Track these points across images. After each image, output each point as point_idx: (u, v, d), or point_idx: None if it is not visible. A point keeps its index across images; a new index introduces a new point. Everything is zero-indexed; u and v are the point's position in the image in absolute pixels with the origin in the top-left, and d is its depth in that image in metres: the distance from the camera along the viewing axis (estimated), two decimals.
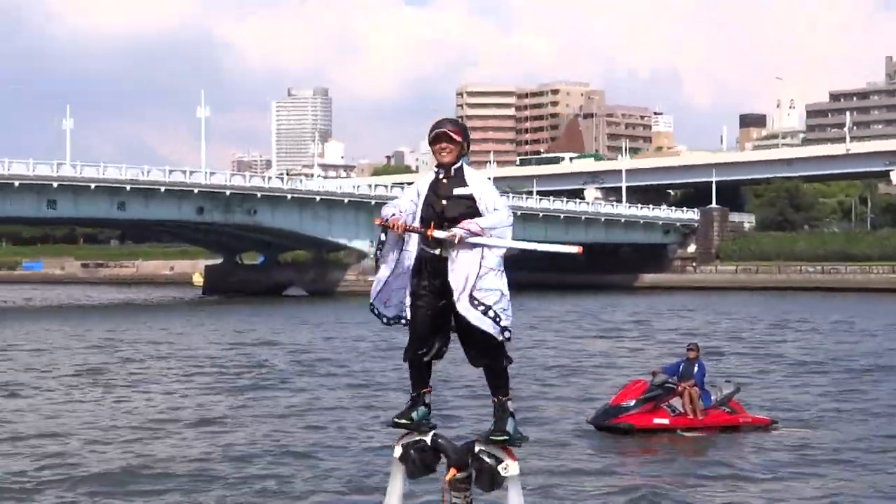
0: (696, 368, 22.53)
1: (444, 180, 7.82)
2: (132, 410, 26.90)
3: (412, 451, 7.97)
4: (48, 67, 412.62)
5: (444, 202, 7.74)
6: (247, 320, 65.54)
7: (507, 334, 7.69)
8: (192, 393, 30.66)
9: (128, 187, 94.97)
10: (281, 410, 27.08)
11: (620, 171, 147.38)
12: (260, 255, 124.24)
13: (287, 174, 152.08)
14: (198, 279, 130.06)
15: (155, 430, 23.88)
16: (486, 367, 7.94)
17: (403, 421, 7.97)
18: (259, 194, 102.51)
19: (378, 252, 8.07)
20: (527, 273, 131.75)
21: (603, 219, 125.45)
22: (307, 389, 31.18)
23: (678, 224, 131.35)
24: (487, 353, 7.83)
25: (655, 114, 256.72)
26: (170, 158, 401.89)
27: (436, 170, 7.93)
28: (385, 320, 8.07)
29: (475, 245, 7.65)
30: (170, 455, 20.75)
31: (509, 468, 7.79)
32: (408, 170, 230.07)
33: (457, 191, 7.77)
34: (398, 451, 8.00)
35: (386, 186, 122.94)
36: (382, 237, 7.99)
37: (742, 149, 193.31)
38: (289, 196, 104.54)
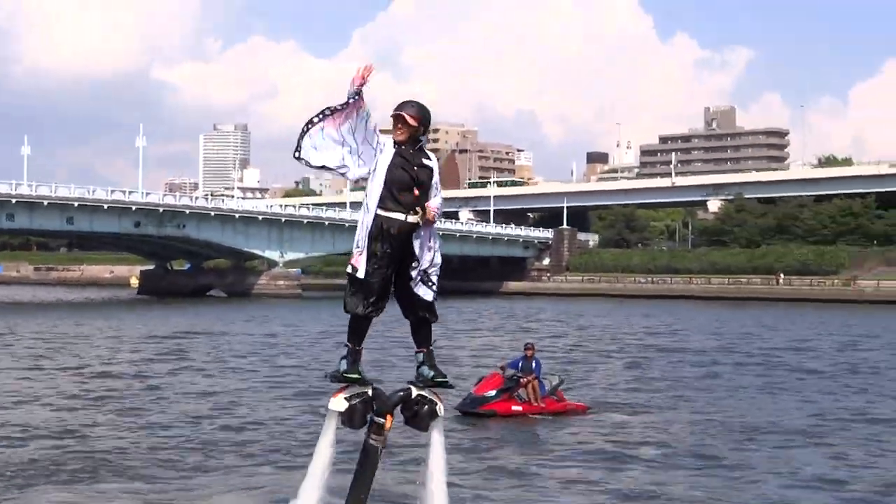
0: (533, 364, 22.74)
1: (411, 152, 7.58)
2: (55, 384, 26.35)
3: (357, 403, 7.59)
4: (9, 101, 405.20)
5: (415, 168, 7.52)
6: (173, 315, 64.76)
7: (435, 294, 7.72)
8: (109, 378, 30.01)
9: (76, 204, 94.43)
10: (198, 390, 26.70)
11: (489, 197, 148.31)
12: (187, 262, 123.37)
13: (211, 195, 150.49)
14: (134, 282, 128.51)
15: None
16: (419, 321, 7.77)
17: (354, 375, 7.62)
18: (187, 211, 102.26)
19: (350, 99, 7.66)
20: None
21: (475, 235, 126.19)
22: (217, 374, 30.82)
23: (536, 241, 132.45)
24: (426, 311, 7.74)
25: (518, 150, 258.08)
26: (112, 180, 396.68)
27: (396, 143, 7.63)
28: (307, 162, 7.78)
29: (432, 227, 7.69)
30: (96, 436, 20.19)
31: (440, 408, 7.75)
32: (313, 193, 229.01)
33: (425, 161, 7.61)
34: (340, 403, 7.55)
35: (294, 206, 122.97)
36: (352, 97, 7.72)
37: (588, 180, 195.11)
38: (212, 213, 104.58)
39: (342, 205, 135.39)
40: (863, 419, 23.28)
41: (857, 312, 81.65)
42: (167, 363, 34.19)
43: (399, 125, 7.62)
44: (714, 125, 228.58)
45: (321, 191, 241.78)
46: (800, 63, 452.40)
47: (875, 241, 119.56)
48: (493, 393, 22.25)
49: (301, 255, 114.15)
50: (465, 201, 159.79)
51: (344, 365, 7.64)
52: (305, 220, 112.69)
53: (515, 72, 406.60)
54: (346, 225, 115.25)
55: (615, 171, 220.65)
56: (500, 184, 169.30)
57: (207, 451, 17.99)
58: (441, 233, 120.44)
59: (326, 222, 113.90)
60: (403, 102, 7.73)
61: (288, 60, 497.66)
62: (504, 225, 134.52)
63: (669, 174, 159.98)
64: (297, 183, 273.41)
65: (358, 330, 7.75)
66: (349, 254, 7.71)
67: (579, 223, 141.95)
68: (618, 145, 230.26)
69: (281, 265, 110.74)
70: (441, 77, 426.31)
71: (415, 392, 7.70)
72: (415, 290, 7.59)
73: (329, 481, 7.64)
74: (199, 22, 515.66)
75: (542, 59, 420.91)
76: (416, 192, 7.53)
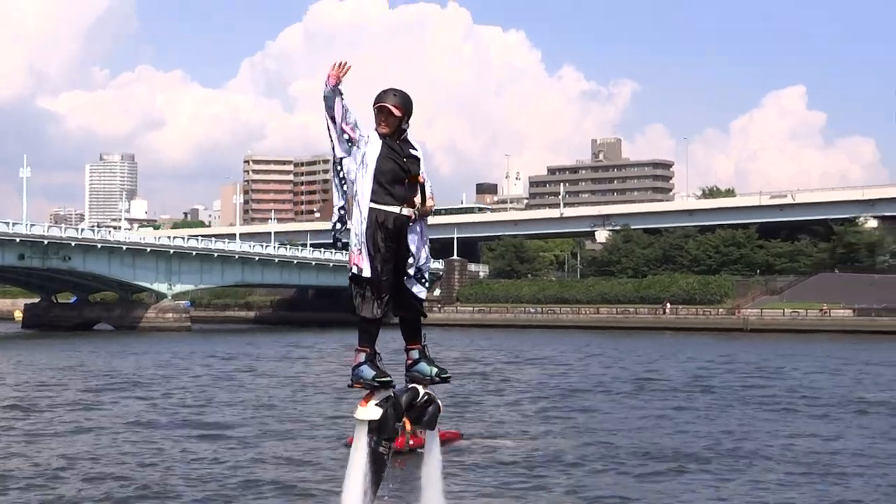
0: None
1: (398, 142, 7.36)
2: None
3: (389, 409, 7.28)
4: None
5: (404, 159, 7.27)
6: (57, 349, 63.50)
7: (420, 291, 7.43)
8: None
9: None
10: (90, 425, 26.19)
11: None
12: (73, 295, 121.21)
13: (98, 226, 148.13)
14: (18, 315, 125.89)
15: None
16: (413, 318, 7.58)
17: (385, 378, 7.30)
18: (73, 243, 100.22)
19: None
20: (299, 312, 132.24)
21: None
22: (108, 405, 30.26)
23: None
24: (420, 308, 7.53)
25: None
26: None
27: (381, 135, 7.40)
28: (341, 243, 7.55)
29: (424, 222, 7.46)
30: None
31: (440, 404, 7.67)
32: (202, 224, 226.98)
33: (412, 152, 7.38)
34: (372, 411, 7.20)
35: (183, 238, 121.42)
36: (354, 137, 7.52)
37: (479, 210, 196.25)
38: (99, 245, 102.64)
39: (232, 236, 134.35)
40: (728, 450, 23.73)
41: (741, 341, 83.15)
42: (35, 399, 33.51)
43: (383, 117, 7.39)
44: (601, 157, 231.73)
45: (210, 222, 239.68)
46: (684, 96, 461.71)
47: (758, 271, 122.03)
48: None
49: (190, 287, 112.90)
50: None
51: (368, 371, 7.33)
52: (194, 252, 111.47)
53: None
54: (236, 256, 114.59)
55: (505, 202, 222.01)
56: None
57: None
58: (332, 263, 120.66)
59: (216, 254, 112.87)
60: (383, 92, 7.48)
61: (176, 90, 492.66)
62: None
63: (558, 205, 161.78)
64: (185, 214, 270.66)
65: (370, 332, 7.47)
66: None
67: (470, 254, 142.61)
68: (507, 177, 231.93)
69: (169, 297, 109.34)
70: None
71: (421, 391, 7.53)
72: (410, 287, 7.36)
73: (369, 494, 7.31)
74: (85, 50, 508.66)
75: (432, 91, 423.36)
76: (407, 183, 7.30)
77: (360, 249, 7.21)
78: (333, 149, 7.46)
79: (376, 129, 7.37)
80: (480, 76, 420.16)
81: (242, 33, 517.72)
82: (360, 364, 7.34)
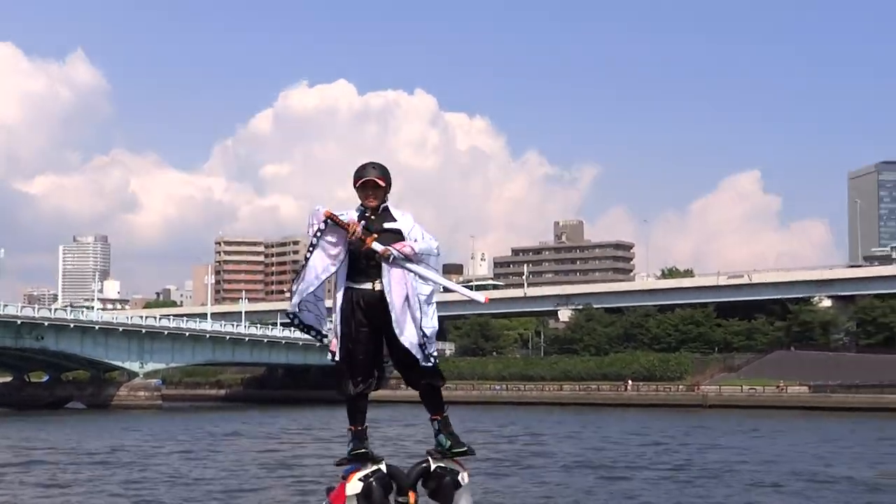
0: None
1: (372, 217, 6.94)
2: None
3: (373, 482, 6.77)
4: None
5: (374, 235, 6.77)
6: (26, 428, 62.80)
7: (433, 360, 7.06)
8: None
9: None
10: None
11: None
12: (46, 373, 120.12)
13: (71, 306, 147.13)
14: None
15: None
16: (426, 388, 7.20)
17: (361, 451, 6.93)
18: (46, 323, 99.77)
19: (314, 240, 6.88)
20: (269, 390, 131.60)
21: None
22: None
23: None
24: (427, 376, 7.13)
25: None
26: None
27: (360, 210, 6.99)
28: (308, 331, 7.20)
29: (406, 274, 6.85)
30: None
31: (465, 478, 7.01)
32: (174, 304, 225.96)
33: (386, 225, 6.92)
34: (356, 486, 6.73)
35: (155, 317, 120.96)
36: (321, 227, 6.86)
37: (444, 291, 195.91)
38: (72, 325, 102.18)
39: (203, 316, 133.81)
40: None
41: (702, 416, 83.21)
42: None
43: (369, 192, 7.00)
44: (563, 238, 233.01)
45: (182, 302, 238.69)
46: (643, 180, 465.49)
47: (716, 348, 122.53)
48: None
49: (162, 366, 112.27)
50: (327, 311, 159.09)
51: (350, 446, 7.05)
52: (166, 332, 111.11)
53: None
54: (207, 335, 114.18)
55: (470, 281, 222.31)
56: None
57: None
58: (301, 342, 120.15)
59: (187, 333, 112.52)
60: (362, 168, 7.08)
61: (149, 172, 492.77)
62: None
63: (522, 285, 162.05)
64: (157, 294, 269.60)
65: (356, 410, 7.21)
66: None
67: (438, 332, 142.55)
68: (472, 257, 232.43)
69: (141, 376, 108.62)
70: (299, 190, 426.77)
71: (433, 464, 7.03)
72: (413, 355, 6.92)
73: None
74: (60, 134, 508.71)
75: (399, 176, 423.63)
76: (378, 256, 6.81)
77: (335, 333, 7.01)
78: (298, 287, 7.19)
79: (363, 204, 7.00)
80: (447, 161, 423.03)
81: (214, 118, 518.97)
82: (348, 442, 7.12)
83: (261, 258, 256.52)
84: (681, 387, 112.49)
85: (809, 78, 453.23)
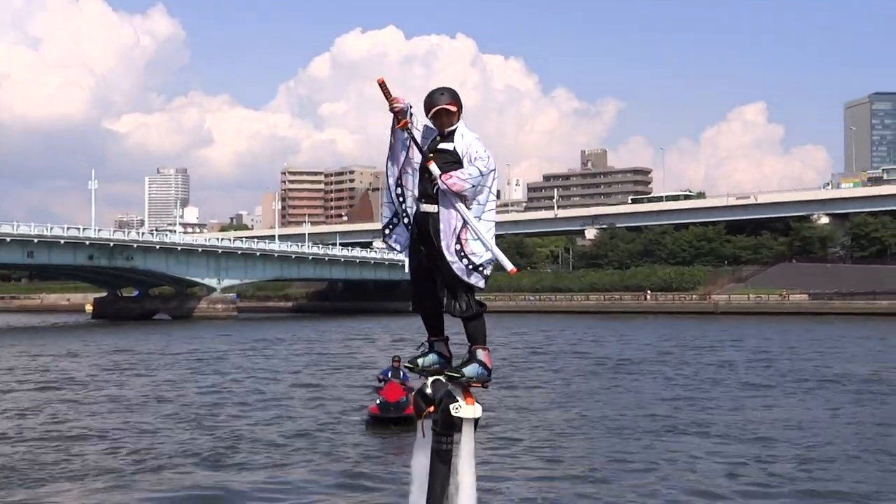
0: (402, 373, 21.60)
1: (438, 137, 6.29)
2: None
3: (418, 396, 6.46)
4: None
5: (431, 156, 6.16)
6: (126, 335, 63.61)
7: (478, 280, 6.36)
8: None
9: (35, 240, 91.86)
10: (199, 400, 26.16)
11: None
12: (136, 289, 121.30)
13: (156, 230, 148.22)
14: (89, 308, 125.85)
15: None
16: (466, 319, 6.38)
17: (408, 365, 6.52)
18: (135, 245, 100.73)
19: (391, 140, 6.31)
20: (330, 302, 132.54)
21: (387, 262, 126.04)
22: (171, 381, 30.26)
23: None
24: (455, 301, 6.31)
25: None
26: (67, 218, 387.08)
27: (433, 134, 6.34)
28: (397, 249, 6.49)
29: (454, 204, 6.20)
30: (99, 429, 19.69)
31: (461, 409, 6.17)
32: (246, 227, 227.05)
33: (442, 145, 6.26)
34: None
35: (230, 239, 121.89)
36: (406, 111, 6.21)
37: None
38: (157, 247, 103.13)
39: (272, 237, 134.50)
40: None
41: (715, 322, 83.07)
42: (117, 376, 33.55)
43: (443, 119, 6.31)
44: (589, 165, 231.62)
45: (252, 225, 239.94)
46: (660, 112, 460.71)
47: (726, 262, 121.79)
48: (404, 399, 20.73)
49: (236, 282, 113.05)
50: (379, 233, 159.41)
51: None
52: (240, 252, 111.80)
53: (420, 120, 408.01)
54: (276, 255, 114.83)
55: (506, 205, 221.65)
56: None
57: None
58: (358, 260, 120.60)
59: (258, 253, 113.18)
60: (431, 95, 6.35)
61: (221, 111, 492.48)
62: None
63: (552, 207, 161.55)
64: (231, 219, 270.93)
65: (425, 322, 6.56)
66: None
67: None
68: (508, 183, 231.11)
69: (219, 290, 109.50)
70: (354, 125, 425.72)
71: (429, 382, 6.50)
72: (449, 261, 6.24)
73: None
74: (143, 79, 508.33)
75: None
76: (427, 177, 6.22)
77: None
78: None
79: (438, 129, 6.33)
80: (485, 98, 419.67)
81: (278, 62, 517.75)
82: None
83: (321, 186, 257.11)
84: (694, 296, 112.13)
85: (809, 16, 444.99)
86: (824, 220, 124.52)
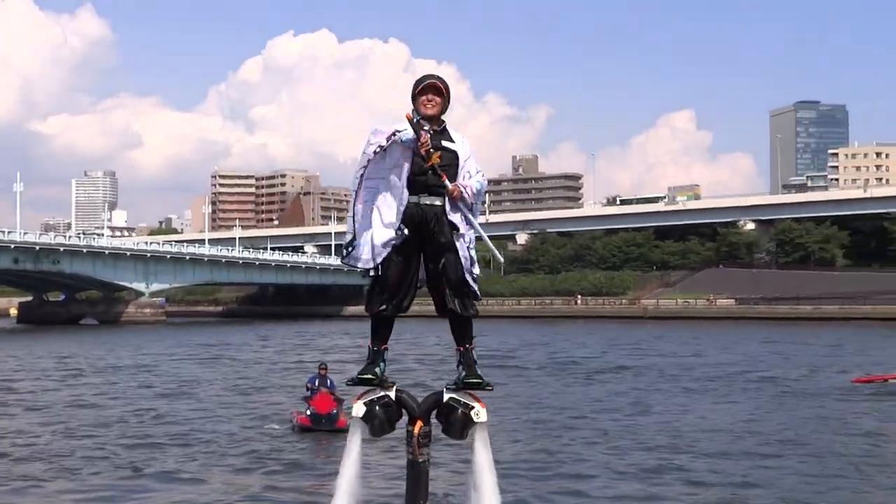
0: (329, 381, 21.42)
1: (431, 132, 5.80)
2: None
3: (377, 408, 5.80)
4: None
5: (439, 153, 5.75)
6: (49, 341, 62.56)
7: (477, 275, 5.90)
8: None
9: None
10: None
11: (330, 233, 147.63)
12: (62, 293, 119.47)
13: (83, 233, 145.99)
14: (14, 312, 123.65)
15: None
16: (457, 318, 5.98)
17: (368, 376, 5.84)
18: (62, 248, 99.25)
19: (370, 155, 5.78)
20: (261, 307, 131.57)
21: (318, 267, 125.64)
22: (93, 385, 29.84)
23: None
24: (464, 301, 5.91)
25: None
26: None
27: (415, 116, 5.84)
28: (362, 271, 5.87)
29: (462, 212, 5.85)
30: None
31: (480, 414, 5.82)
32: (175, 231, 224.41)
33: (444, 143, 5.83)
34: (360, 409, 5.79)
35: (158, 243, 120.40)
36: (382, 144, 5.73)
37: None
38: (85, 250, 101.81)
39: (202, 241, 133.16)
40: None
41: (643, 326, 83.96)
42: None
43: (431, 96, 5.88)
44: (520, 170, 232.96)
45: (182, 229, 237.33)
46: (590, 118, 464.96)
47: (655, 267, 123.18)
48: (335, 411, 20.46)
49: (165, 286, 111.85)
50: (310, 237, 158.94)
51: (362, 367, 5.98)
52: (169, 255, 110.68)
53: (351, 126, 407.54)
54: (205, 259, 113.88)
55: None
56: (340, 221, 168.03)
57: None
58: (289, 264, 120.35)
59: (187, 256, 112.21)
60: (426, 74, 6.01)
61: (151, 113, 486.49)
62: None
63: (484, 212, 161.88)
64: (160, 223, 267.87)
65: (375, 329, 6.03)
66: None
67: None
68: None
69: (147, 295, 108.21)
70: (285, 129, 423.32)
71: (447, 395, 5.90)
72: (457, 281, 5.89)
73: (358, 495, 5.77)
74: (72, 80, 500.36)
75: (374, 118, 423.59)
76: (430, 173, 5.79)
77: (370, 245, 5.85)
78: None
79: (420, 112, 5.88)
80: None
81: (210, 64, 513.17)
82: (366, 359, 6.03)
83: (252, 190, 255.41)
84: (624, 301, 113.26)
85: (736, 26, 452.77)
86: (750, 226, 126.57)
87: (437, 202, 5.82)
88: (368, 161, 5.83)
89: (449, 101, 5.98)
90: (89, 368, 40.30)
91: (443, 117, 6.00)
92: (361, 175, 5.91)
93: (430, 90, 5.89)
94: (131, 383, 33.39)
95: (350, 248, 5.93)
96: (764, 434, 20.76)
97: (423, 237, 5.82)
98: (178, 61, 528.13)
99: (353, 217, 5.97)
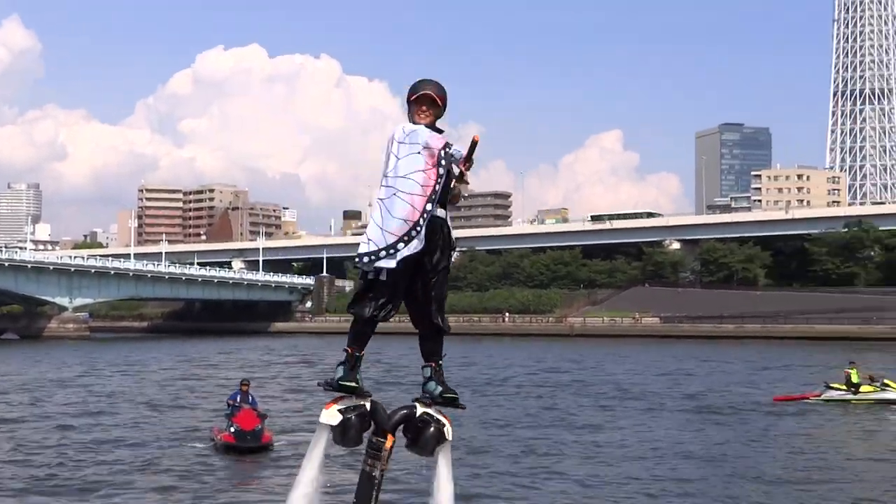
0: (250, 398, 21.26)
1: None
2: None
3: (352, 417, 5.46)
4: None
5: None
6: None
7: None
8: None
9: None
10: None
11: (259, 248, 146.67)
12: None
13: (5, 247, 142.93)
14: None
15: None
16: (433, 333, 5.81)
17: (350, 384, 5.52)
18: None
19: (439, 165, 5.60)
20: (187, 322, 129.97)
21: (246, 282, 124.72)
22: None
23: (299, 287, 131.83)
24: (443, 316, 5.79)
25: (284, 208, 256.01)
26: None
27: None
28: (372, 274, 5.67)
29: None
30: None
31: (448, 431, 5.61)
32: (100, 245, 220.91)
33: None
34: (333, 416, 5.44)
35: (83, 257, 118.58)
36: (436, 147, 5.58)
37: (345, 234, 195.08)
38: (6, 264, 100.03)
39: (127, 256, 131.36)
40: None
41: (569, 344, 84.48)
42: None
43: (425, 107, 5.64)
44: None
45: (107, 243, 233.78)
46: (520, 137, 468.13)
47: (581, 285, 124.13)
48: (260, 427, 20.26)
49: (89, 301, 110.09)
50: (238, 252, 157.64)
51: (340, 371, 5.59)
52: (93, 270, 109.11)
53: (282, 141, 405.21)
54: (131, 273, 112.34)
55: (365, 225, 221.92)
56: (268, 237, 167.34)
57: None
58: (216, 279, 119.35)
59: (112, 271, 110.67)
60: (420, 81, 5.72)
61: (77, 126, 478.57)
62: (272, 273, 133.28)
63: None
64: (85, 236, 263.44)
65: (360, 334, 5.81)
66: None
67: (337, 271, 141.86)
68: (370, 205, 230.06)
69: (70, 310, 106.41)
70: (215, 143, 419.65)
71: (420, 410, 5.63)
72: (439, 292, 5.76)
73: None
74: None
75: (306, 132, 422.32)
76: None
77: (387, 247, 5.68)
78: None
79: (414, 121, 5.66)
80: (349, 119, 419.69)
81: (138, 76, 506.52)
82: (339, 364, 5.66)
83: (179, 204, 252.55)
84: (551, 318, 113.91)
85: (664, 48, 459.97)
86: (675, 245, 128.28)
87: (441, 214, 5.71)
88: (396, 161, 5.60)
89: (445, 108, 5.75)
90: (6, 385, 39.39)
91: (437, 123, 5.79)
92: (385, 181, 5.68)
93: (425, 101, 5.64)
94: (46, 400, 32.71)
95: (376, 256, 5.66)
96: (685, 451, 20.98)
97: (426, 249, 5.66)
98: (105, 73, 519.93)
99: (383, 227, 5.69)
